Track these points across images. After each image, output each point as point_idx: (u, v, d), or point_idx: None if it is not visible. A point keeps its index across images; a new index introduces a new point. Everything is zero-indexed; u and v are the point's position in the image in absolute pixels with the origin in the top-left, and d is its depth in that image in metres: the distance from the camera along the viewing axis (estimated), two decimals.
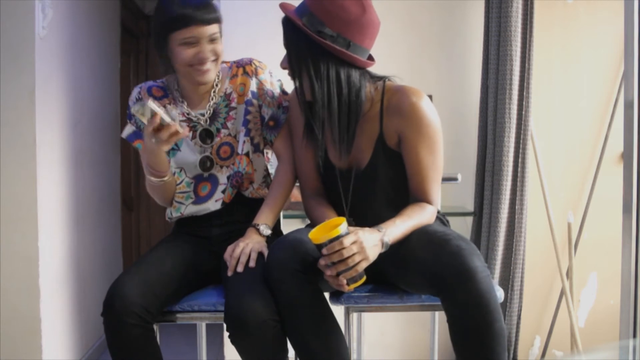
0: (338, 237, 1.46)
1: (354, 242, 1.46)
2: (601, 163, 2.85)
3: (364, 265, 1.48)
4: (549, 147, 2.89)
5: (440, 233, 1.56)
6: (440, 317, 2.43)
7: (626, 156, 2.02)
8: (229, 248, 1.70)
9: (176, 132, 1.60)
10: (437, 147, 1.66)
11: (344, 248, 1.45)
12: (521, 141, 2.70)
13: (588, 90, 2.90)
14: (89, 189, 3.23)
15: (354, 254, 1.46)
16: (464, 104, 2.89)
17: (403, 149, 1.66)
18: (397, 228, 1.57)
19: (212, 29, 1.71)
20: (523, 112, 2.69)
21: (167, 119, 1.59)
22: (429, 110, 1.63)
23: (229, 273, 1.65)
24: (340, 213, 1.76)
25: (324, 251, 1.46)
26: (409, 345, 2.96)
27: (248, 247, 1.68)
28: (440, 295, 1.50)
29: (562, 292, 2.80)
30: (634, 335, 1.97)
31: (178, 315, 1.71)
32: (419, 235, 1.59)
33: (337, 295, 1.75)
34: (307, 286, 1.54)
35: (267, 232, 1.75)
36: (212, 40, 1.72)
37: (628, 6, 1.99)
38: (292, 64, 1.62)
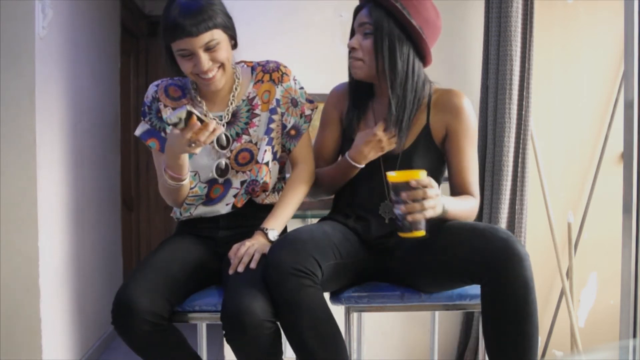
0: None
1: (433, 188, 1.53)
2: (601, 163, 2.85)
3: (430, 213, 1.52)
4: (549, 147, 2.89)
5: (484, 224, 1.66)
6: (440, 317, 2.43)
7: (626, 156, 2.02)
8: (235, 247, 1.70)
9: (214, 130, 1.56)
10: (476, 146, 1.80)
11: (428, 187, 1.50)
12: (521, 141, 2.70)
13: (588, 90, 2.90)
14: (89, 189, 3.23)
15: (431, 198, 1.51)
16: None
17: (449, 144, 1.77)
18: (451, 202, 1.64)
19: (205, 38, 1.62)
20: (523, 112, 2.69)
21: (204, 118, 1.56)
22: (472, 111, 1.78)
23: (230, 271, 1.65)
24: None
25: (413, 183, 1.50)
26: (409, 345, 2.96)
27: (253, 247, 1.68)
28: (484, 279, 1.55)
29: (562, 292, 2.80)
30: (634, 335, 1.97)
31: (179, 315, 1.71)
32: (460, 227, 1.64)
33: (337, 295, 1.75)
34: (306, 286, 1.53)
35: (275, 237, 1.75)
36: (208, 49, 1.65)
37: (628, 6, 1.99)
38: (379, 39, 1.69)
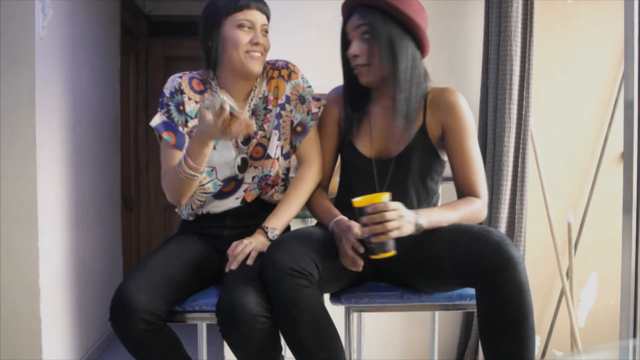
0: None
1: (394, 210, 1.54)
2: (601, 163, 2.85)
3: (396, 234, 1.53)
4: (549, 147, 2.89)
5: (478, 227, 1.62)
6: (440, 317, 2.43)
7: (626, 156, 2.02)
8: (233, 244, 1.71)
9: (247, 125, 1.60)
10: (476, 143, 1.77)
11: (386, 211, 1.52)
12: (521, 141, 2.70)
13: (588, 90, 2.90)
14: (89, 189, 3.23)
15: (392, 220, 1.52)
16: None
17: (449, 142, 1.75)
18: (434, 215, 1.63)
19: (265, 19, 1.82)
20: (523, 112, 2.69)
21: (236, 108, 1.59)
22: (468, 108, 1.77)
23: (226, 269, 1.66)
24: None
25: (369, 209, 1.53)
26: (409, 345, 2.96)
27: (250, 246, 1.68)
28: (478, 283, 1.53)
29: (562, 292, 2.80)
30: (634, 335, 1.97)
31: (178, 315, 1.71)
32: (455, 229, 1.63)
33: (337, 295, 1.75)
34: (303, 286, 1.54)
35: (275, 236, 1.75)
36: (264, 31, 1.81)
37: (628, 6, 1.99)
38: (379, 40, 1.69)
